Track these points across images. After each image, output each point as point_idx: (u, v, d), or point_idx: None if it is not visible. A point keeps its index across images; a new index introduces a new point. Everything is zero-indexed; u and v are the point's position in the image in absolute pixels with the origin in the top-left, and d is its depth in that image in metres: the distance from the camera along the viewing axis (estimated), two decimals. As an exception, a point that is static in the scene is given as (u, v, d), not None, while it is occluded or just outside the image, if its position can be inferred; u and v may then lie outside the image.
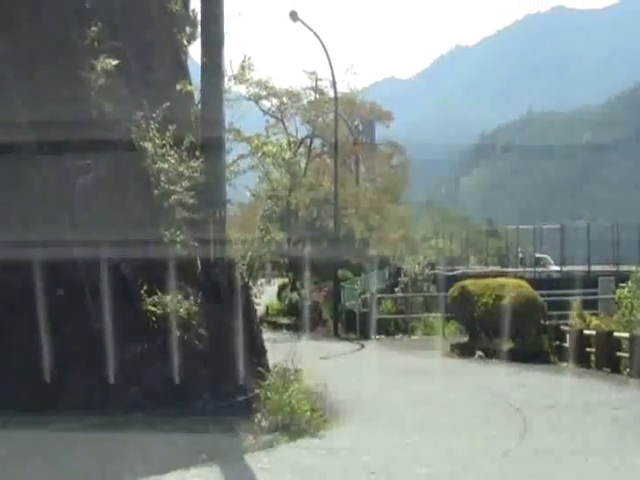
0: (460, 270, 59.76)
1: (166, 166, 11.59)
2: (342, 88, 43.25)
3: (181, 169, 11.78)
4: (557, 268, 58.73)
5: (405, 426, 12.67)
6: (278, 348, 26.14)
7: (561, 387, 16.41)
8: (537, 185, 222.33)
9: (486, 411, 13.61)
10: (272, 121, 42.13)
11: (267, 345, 25.46)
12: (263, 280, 48.93)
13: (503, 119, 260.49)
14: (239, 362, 12.19)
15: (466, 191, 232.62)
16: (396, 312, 37.49)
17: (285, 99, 40.58)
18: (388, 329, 33.72)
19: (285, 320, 36.55)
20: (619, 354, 18.64)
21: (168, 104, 12.07)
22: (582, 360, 20.57)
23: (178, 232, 11.52)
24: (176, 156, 11.81)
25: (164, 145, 11.89)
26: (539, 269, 57.69)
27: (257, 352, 13.48)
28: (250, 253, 14.56)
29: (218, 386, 10.99)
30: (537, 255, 63.21)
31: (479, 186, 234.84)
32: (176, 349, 10.40)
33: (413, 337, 30.91)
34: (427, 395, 15.94)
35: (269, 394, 12.59)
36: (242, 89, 38.19)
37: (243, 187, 46.06)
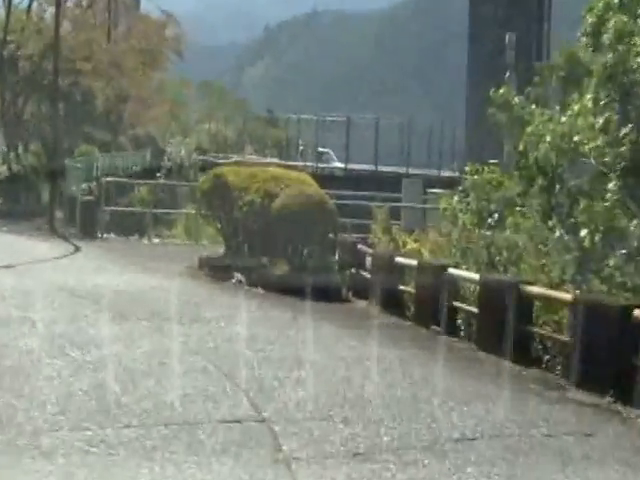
0: (234, 158, 52.59)
1: None
2: None
3: None
4: (340, 165, 52.72)
5: None
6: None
7: (380, 373, 8.91)
8: (321, 81, 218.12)
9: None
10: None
11: None
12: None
13: (288, 14, 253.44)
14: None
15: (250, 82, 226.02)
16: (155, 204, 29.61)
17: None
18: (128, 226, 25.58)
19: (-10, 203, 27.57)
20: (458, 305, 11.42)
21: None
22: (392, 303, 13.36)
23: None
24: None
25: None
26: (321, 165, 51.16)
27: None
28: None
29: None
30: (319, 149, 56.74)
31: (263, 78, 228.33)
32: None
33: (154, 240, 22.80)
34: (107, 380, 8.14)
35: None
36: None
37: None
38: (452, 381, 8.73)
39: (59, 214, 25.20)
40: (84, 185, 26.02)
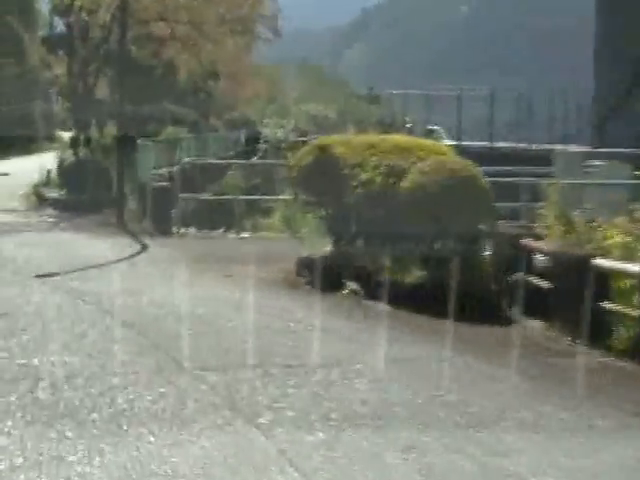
0: (336, 140, 48.30)
1: None
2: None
3: None
4: (452, 142, 47.78)
5: None
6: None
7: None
8: (421, 62, 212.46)
9: None
10: None
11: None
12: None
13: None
14: None
15: (348, 64, 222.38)
16: (248, 190, 25.64)
17: None
18: (215, 217, 21.19)
19: (55, 193, 23.58)
20: None
21: None
22: (589, 329, 8.63)
23: None
24: None
25: None
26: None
27: None
28: None
29: None
30: (428, 127, 51.90)
31: (361, 60, 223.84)
32: None
33: (243, 235, 18.35)
34: None
35: None
36: None
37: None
38: None
39: (133, 205, 21.13)
40: (163, 170, 21.93)
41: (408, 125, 52.99)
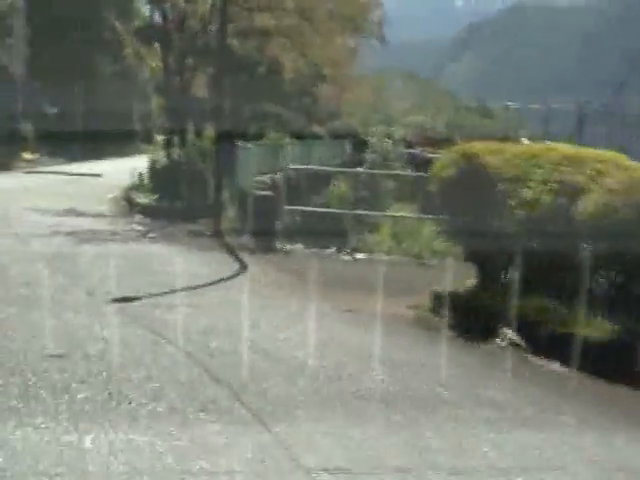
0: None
1: None
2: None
3: None
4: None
5: None
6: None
7: None
8: (528, 77, 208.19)
9: None
10: None
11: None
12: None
13: (492, 9, 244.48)
14: None
15: (452, 77, 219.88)
16: (353, 204, 23.00)
17: None
18: (321, 232, 18.43)
19: (145, 199, 21.37)
20: None
21: None
22: None
23: None
24: None
25: None
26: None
27: None
28: None
29: None
30: (546, 142, 48.85)
31: (469, 72, 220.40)
32: None
33: (358, 255, 15.67)
34: None
35: None
36: None
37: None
38: None
39: (232, 215, 18.83)
40: (265, 177, 19.61)
41: (525, 141, 50.09)
